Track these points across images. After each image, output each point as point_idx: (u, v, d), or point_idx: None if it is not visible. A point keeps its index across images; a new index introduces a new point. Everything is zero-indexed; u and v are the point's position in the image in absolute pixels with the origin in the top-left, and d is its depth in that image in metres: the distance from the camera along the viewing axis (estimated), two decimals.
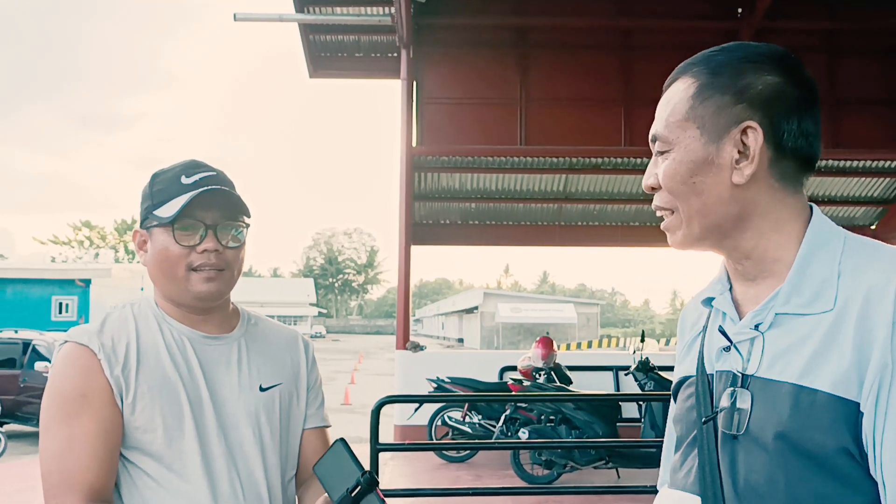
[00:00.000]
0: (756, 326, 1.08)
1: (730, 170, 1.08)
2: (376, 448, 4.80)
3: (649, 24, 10.97)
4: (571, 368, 8.97)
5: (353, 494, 1.33)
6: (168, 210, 1.49)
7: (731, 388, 1.09)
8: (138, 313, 1.56)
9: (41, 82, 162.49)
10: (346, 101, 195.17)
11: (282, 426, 1.61)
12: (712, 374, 1.14)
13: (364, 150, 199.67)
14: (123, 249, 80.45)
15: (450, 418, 8.69)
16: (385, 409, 5.08)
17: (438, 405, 8.84)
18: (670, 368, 8.99)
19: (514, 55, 10.99)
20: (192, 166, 1.57)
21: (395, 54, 11.09)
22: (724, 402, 1.09)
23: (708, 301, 1.20)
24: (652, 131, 1.19)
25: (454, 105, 10.83)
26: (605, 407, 7.59)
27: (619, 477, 7.33)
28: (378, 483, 1.35)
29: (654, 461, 7.20)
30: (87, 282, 25.46)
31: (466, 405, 8.61)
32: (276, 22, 10.16)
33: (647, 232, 12.72)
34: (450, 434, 8.71)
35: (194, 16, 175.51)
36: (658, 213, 1.19)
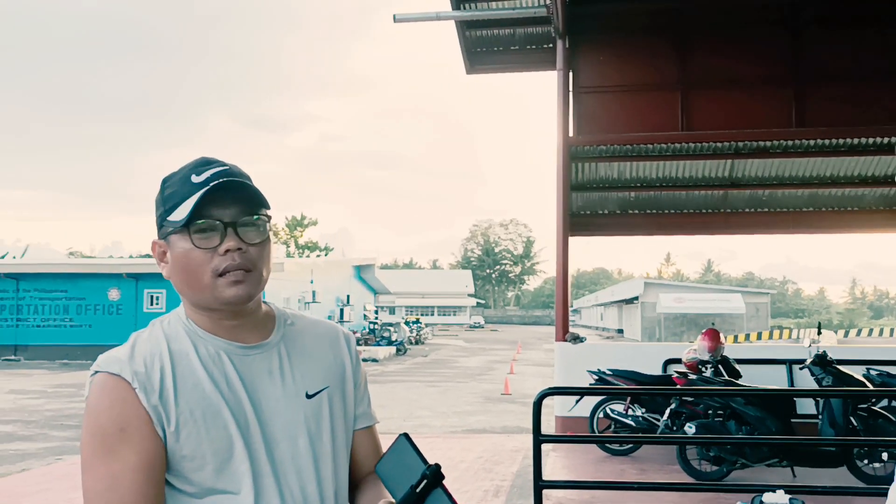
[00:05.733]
0: None
1: None
2: (539, 439, 4.86)
3: None
4: (740, 361, 8.60)
5: (417, 490, 1.25)
6: (181, 213, 1.38)
7: None
8: (169, 331, 1.45)
9: (219, 90, 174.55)
10: (502, 92, 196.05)
11: (333, 432, 1.51)
12: None
13: (520, 141, 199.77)
14: (294, 244, 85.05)
15: (612, 411, 8.60)
16: (545, 401, 5.13)
17: (600, 397, 8.77)
18: (850, 363, 8.42)
19: (671, 39, 10.66)
20: (202, 163, 1.44)
21: (551, 45, 11.06)
22: None
23: None
24: None
25: (611, 93, 10.65)
26: (778, 402, 7.25)
27: (794, 476, 6.98)
28: (444, 476, 1.27)
29: (833, 460, 6.81)
30: None
31: (629, 398, 8.49)
32: (434, 21, 10.40)
33: (822, 217, 11.96)
34: (612, 427, 8.62)
35: (362, 22, 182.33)
36: None
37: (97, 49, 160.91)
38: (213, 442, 1.37)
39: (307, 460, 1.45)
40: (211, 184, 1.38)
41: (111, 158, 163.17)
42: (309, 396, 1.49)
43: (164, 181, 1.45)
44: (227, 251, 1.38)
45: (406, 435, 1.33)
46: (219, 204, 1.39)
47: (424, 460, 1.27)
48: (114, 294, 27.86)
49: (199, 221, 1.38)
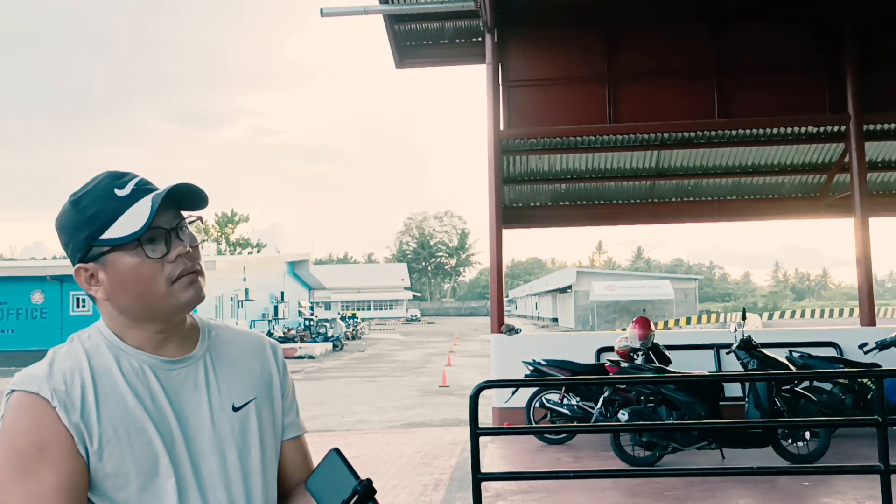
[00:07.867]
0: None
1: None
2: (476, 432, 4.88)
3: None
4: (670, 348, 8.84)
5: None
6: (126, 227, 1.34)
7: None
8: (89, 346, 1.40)
9: (146, 85, 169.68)
10: (437, 85, 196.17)
11: (262, 444, 1.49)
12: None
13: (454, 134, 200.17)
14: (225, 242, 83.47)
15: (548, 400, 8.72)
16: (483, 392, 5.17)
17: (535, 388, 8.89)
18: (773, 345, 8.72)
19: (599, 32, 10.81)
20: (118, 177, 1.40)
21: (480, 39, 11.10)
22: None
23: None
24: None
25: (540, 86, 10.76)
26: (707, 387, 7.46)
27: (723, 458, 7.20)
28: (376, 491, 1.28)
29: (759, 441, 7.04)
30: None
31: (564, 388, 8.62)
32: (362, 15, 10.30)
33: (745, 205, 12.33)
34: (548, 416, 8.75)
35: (297, 16, 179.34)
36: None
37: (19, 42, 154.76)
38: (137, 459, 1.34)
39: (236, 474, 1.43)
40: (161, 191, 1.37)
41: (34, 156, 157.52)
42: (236, 409, 1.47)
43: (77, 202, 1.39)
44: (177, 256, 1.37)
45: (337, 450, 1.33)
46: (158, 212, 1.37)
47: (356, 475, 1.28)
48: (37, 297, 26.85)
49: (148, 232, 1.35)
